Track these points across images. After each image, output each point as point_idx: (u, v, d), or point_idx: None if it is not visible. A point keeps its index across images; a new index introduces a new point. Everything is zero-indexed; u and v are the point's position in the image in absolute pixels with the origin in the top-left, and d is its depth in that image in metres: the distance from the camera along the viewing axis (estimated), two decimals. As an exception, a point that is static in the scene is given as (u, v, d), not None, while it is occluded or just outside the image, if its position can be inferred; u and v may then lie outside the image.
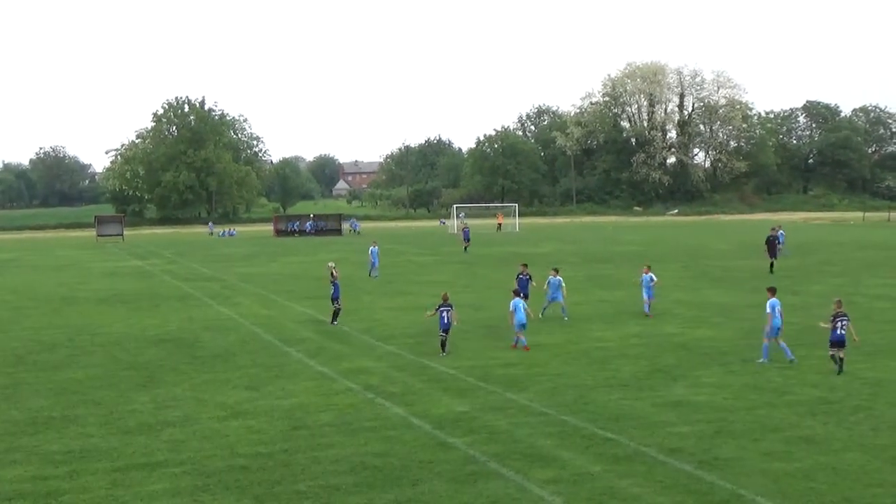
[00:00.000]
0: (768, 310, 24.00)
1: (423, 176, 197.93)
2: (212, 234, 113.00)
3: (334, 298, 31.81)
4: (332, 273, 32.30)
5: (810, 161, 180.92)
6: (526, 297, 30.76)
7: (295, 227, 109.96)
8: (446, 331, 25.73)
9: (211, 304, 39.35)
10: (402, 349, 27.15)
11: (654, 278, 33.57)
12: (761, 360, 23.97)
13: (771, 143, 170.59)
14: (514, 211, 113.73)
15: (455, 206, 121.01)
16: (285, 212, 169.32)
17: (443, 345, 25.69)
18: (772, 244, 47.63)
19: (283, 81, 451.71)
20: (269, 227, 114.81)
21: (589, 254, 64.73)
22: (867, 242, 60.14)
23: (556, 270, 33.41)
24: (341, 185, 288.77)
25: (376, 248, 52.29)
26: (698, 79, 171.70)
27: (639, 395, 20.58)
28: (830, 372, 22.61)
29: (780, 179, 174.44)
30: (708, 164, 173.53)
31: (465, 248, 67.73)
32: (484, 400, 20.30)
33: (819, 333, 28.37)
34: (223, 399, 20.87)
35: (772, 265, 46.79)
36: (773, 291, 24.57)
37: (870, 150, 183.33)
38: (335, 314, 31.93)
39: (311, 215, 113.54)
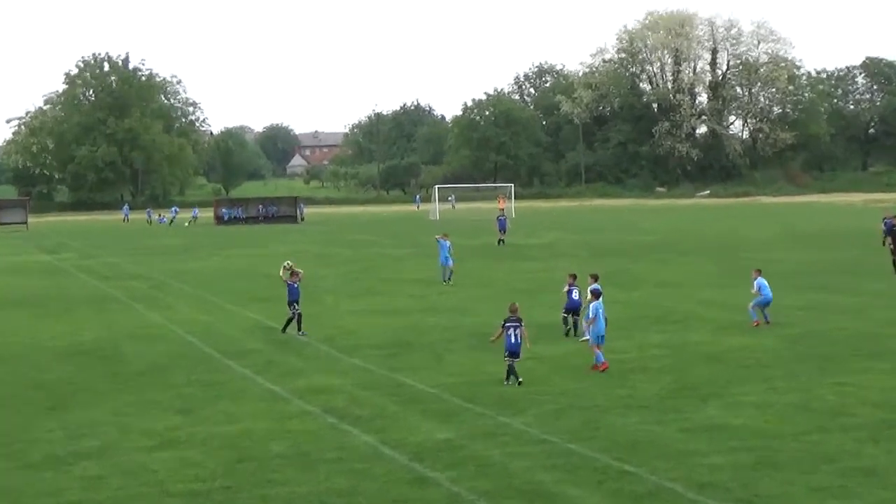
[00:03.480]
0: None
1: (398, 150, 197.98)
2: (150, 221, 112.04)
3: (292, 302, 31.64)
4: (292, 272, 32.24)
5: (871, 131, 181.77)
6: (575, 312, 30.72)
7: (240, 214, 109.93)
8: (514, 354, 24.12)
9: (136, 308, 39.20)
10: (372, 362, 27.08)
11: (759, 289, 31.86)
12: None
13: (823, 110, 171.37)
14: (510, 192, 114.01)
15: (437, 186, 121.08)
16: (228, 194, 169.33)
17: (509, 374, 24.04)
18: (894, 236, 45.70)
19: (224, 35, 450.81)
20: (209, 214, 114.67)
21: (600, 245, 64.88)
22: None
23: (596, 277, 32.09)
24: (297, 161, 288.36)
25: (447, 241, 46.10)
26: (734, 31, 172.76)
27: (662, 418, 20.59)
28: (895, 389, 22.67)
29: (835, 153, 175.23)
30: (746, 134, 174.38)
31: (500, 240, 66.64)
32: (471, 425, 20.27)
33: (883, 342, 28.52)
34: (151, 425, 20.76)
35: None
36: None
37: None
38: (290, 321, 31.75)
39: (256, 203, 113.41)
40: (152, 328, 34.08)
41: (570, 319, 30.41)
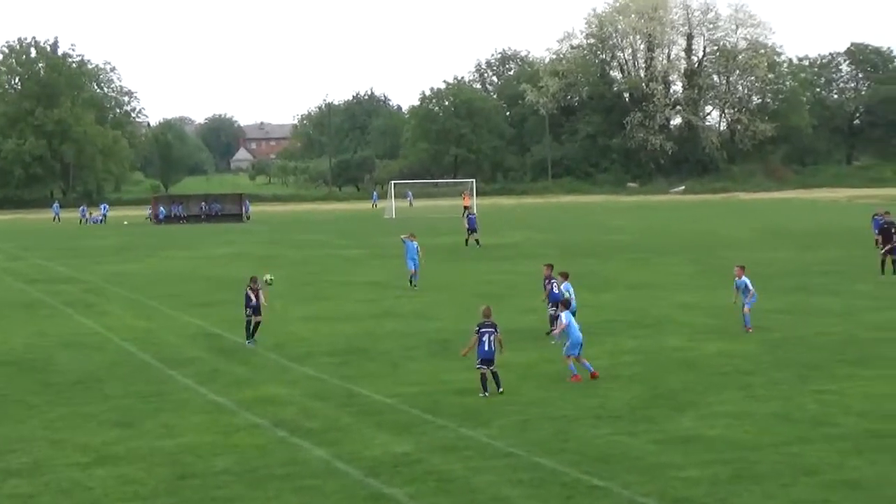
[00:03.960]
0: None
1: (351, 143, 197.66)
2: (84, 220, 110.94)
3: (253, 308, 31.36)
4: (266, 282, 32.27)
5: (856, 122, 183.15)
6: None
7: (181, 212, 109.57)
8: (488, 362, 23.97)
9: (69, 314, 39.02)
10: (324, 371, 27.12)
11: (750, 286, 31.98)
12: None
13: (805, 99, 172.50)
14: (472, 188, 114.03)
15: (393, 182, 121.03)
16: (167, 190, 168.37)
17: (484, 383, 23.92)
18: (887, 233, 46.32)
19: (162, 18, 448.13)
20: (146, 212, 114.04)
21: (569, 244, 65.08)
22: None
23: (566, 276, 32.58)
24: (242, 155, 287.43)
25: (415, 242, 45.76)
26: (711, 15, 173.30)
27: (634, 429, 20.76)
28: (881, 397, 22.95)
29: (818, 146, 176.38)
30: (724, 126, 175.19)
31: (469, 239, 66.22)
32: (432, 437, 20.37)
33: (868, 348, 28.85)
34: (86, 440, 20.72)
35: (894, 263, 45.33)
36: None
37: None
38: (253, 327, 31.50)
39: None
40: (86, 335, 33.92)
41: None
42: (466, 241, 65.63)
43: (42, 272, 55.66)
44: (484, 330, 24.02)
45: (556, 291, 31.09)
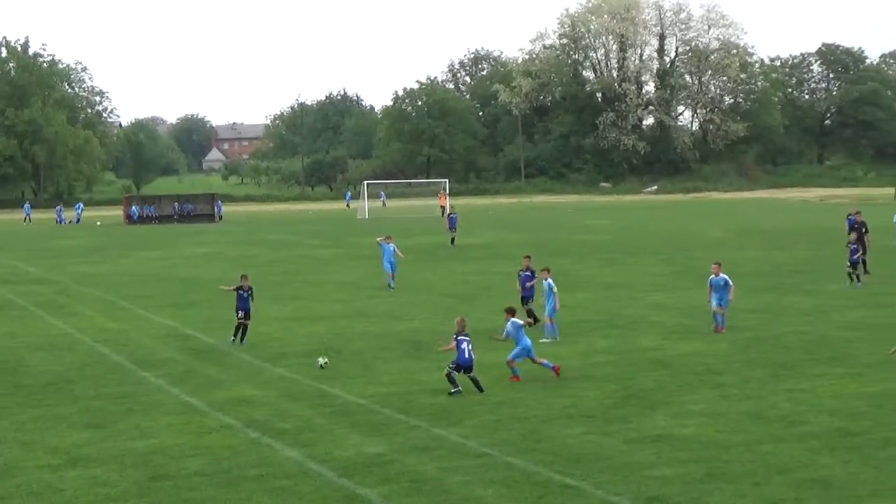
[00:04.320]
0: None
1: (324, 143, 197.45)
2: (61, 222, 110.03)
3: (246, 311, 31.44)
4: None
5: (827, 122, 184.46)
6: (528, 299, 33.29)
7: (153, 212, 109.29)
8: (468, 369, 24.05)
9: (40, 315, 38.83)
10: (297, 372, 27.08)
11: (730, 282, 31.93)
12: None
13: (777, 99, 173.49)
14: (445, 188, 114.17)
15: (366, 182, 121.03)
16: (139, 191, 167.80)
17: (453, 379, 23.91)
18: (858, 234, 46.63)
19: (133, 18, 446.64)
20: (119, 212, 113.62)
21: (542, 244, 65.13)
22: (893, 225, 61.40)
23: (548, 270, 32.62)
24: (214, 155, 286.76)
25: (391, 245, 45.48)
26: (683, 15, 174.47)
27: (607, 428, 20.79)
28: (852, 395, 23.07)
29: (789, 146, 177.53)
30: (696, 126, 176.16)
31: (452, 239, 66.30)
32: (404, 438, 20.35)
33: (839, 346, 29.02)
34: (57, 442, 20.62)
35: (864, 262, 45.57)
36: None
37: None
38: (242, 330, 31.47)
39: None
40: (58, 337, 33.75)
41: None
42: (452, 240, 65.75)
43: (12, 273, 55.34)
44: (462, 338, 24.21)
45: (529, 286, 32.74)
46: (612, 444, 19.62)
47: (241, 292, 31.49)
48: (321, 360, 27.71)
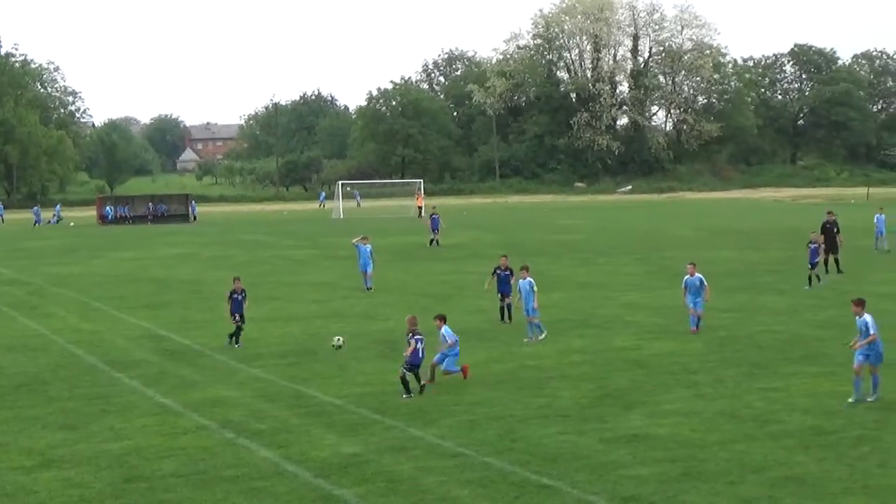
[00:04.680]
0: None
1: (298, 144, 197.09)
2: (37, 224, 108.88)
3: (239, 314, 31.37)
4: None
5: (800, 122, 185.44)
6: (506, 295, 33.96)
7: (127, 212, 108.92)
8: (416, 367, 24.07)
9: (12, 316, 38.65)
10: (272, 373, 27.04)
11: (705, 282, 31.78)
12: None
13: (750, 100, 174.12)
14: (420, 188, 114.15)
15: (341, 182, 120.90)
16: (113, 191, 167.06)
17: (406, 385, 23.89)
18: (829, 234, 47.05)
19: (106, 17, 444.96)
20: (92, 213, 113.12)
21: (517, 244, 65.16)
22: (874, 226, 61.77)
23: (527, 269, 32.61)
24: (188, 155, 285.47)
25: (368, 246, 45.11)
26: (656, 16, 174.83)
27: (583, 428, 20.84)
28: (826, 394, 23.20)
29: (762, 146, 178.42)
30: (670, 126, 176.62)
31: (433, 240, 66.08)
32: (380, 438, 20.35)
33: (812, 345, 29.17)
34: (30, 443, 20.54)
35: (836, 262, 45.88)
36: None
37: (875, 108, 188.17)
38: (237, 332, 31.41)
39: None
40: (31, 338, 33.60)
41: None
42: (437, 241, 65.58)
43: (-15, 274, 55.04)
44: (418, 337, 24.23)
45: (507, 283, 33.59)
46: (588, 443, 19.66)
47: (235, 295, 31.43)
48: (338, 340, 28.11)
